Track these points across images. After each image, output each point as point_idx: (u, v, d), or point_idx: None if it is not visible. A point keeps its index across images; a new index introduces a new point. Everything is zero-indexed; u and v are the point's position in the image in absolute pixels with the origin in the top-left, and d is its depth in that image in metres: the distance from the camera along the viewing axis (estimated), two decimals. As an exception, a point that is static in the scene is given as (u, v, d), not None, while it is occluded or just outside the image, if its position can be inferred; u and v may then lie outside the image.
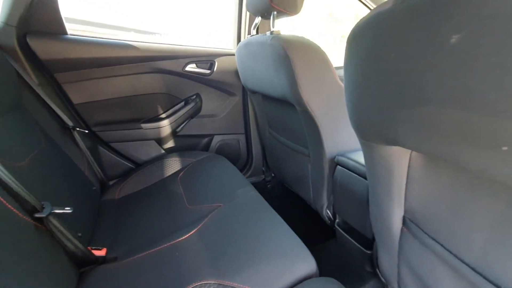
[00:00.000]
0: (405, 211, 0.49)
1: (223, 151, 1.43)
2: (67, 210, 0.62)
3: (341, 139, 0.83)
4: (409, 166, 0.44)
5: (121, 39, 1.13)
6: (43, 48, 0.97)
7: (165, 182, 1.05)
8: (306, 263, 0.56)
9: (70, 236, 0.62)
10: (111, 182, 1.17)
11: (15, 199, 0.54)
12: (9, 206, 0.51)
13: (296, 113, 0.88)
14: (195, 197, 0.89)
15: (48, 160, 0.79)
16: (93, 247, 0.71)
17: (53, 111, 0.96)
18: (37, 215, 0.56)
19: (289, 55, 0.73)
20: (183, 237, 0.67)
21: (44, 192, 0.67)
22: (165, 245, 0.66)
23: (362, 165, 0.73)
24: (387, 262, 0.59)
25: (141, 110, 1.23)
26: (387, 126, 0.36)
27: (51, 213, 0.58)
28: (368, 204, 0.62)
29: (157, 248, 0.66)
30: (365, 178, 0.71)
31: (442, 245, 0.43)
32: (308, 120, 0.82)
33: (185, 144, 1.37)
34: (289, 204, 1.43)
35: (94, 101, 1.13)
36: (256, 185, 1.51)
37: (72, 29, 1.07)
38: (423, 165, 0.41)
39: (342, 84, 0.80)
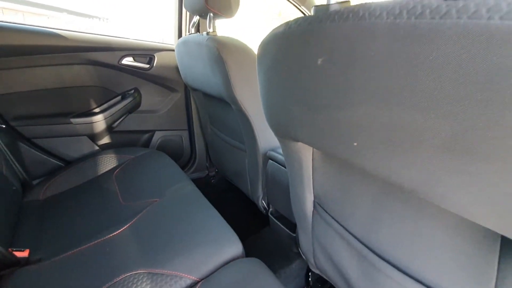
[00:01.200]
0: (314, 196, 0.59)
1: (166, 147, 1.42)
2: None
3: (273, 135, 0.91)
4: (313, 158, 0.52)
5: (47, 25, 1.04)
6: None
7: (98, 180, 1.01)
8: (233, 247, 0.63)
9: (-16, 239, 0.58)
10: (35, 182, 1.07)
11: None
12: None
13: (232, 111, 0.93)
14: (130, 194, 0.88)
15: (-48, 158, 0.70)
16: (14, 249, 0.66)
17: None
18: None
19: (223, 57, 0.78)
20: (115, 233, 0.68)
21: None
22: (95, 242, 0.66)
23: (288, 158, 0.82)
24: (305, 241, 0.69)
25: (71, 103, 1.15)
26: (289, 126, 0.43)
27: (-43, 216, 0.54)
28: (291, 192, 0.71)
29: (86, 246, 0.65)
30: (290, 170, 0.80)
31: (337, 221, 0.53)
32: (243, 118, 0.88)
33: (123, 140, 1.32)
34: (231, 197, 1.49)
35: (12, 93, 1.02)
36: (200, 180, 1.54)
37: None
38: (321, 156, 0.50)
39: None
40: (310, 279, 0.89)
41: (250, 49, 0.83)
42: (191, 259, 0.58)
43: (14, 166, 0.97)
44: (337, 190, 0.50)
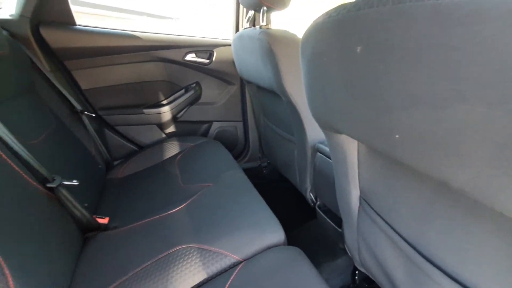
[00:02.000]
0: (360, 191, 0.57)
1: (222, 137, 1.51)
2: (74, 182, 0.71)
3: None
4: (358, 152, 0.51)
5: (128, 29, 1.20)
6: (54, 37, 1.06)
7: (163, 164, 1.14)
8: (275, 234, 0.65)
9: (78, 205, 0.72)
10: (115, 162, 1.27)
11: (29, 169, 0.63)
12: (24, 175, 0.61)
13: (283, 103, 0.94)
14: (188, 178, 0.98)
15: (58, 140, 0.89)
16: (98, 216, 0.81)
17: (63, 96, 1.05)
18: (48, 185, 0.66)
19: (274, 50, 0.79)
20: (173, 210, 0.77)
21: (55, 167, 0.76)
22: (157, 216, 0.76)
23: (337, 152, 0.80)
24: (350, 237, 0.67)
25: (144, 96, 1.32)
26: (332, 117, 0.43)
27: (60, 184, 0.68)
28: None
29: (151, 219, 0.76)
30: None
31: (383, 219, 0.51)
32: (293, 110, 0.89)
33: (186, 129, 1.46)
34: (281, 188, 1.52)
35: (101, 87, 1.22)
36: (252, 170, 1.60)
37: (85, 13, 1.14)
38: (366, 150, 0.48)
39: None
40: (356, 277, 0.86)
41: None
42: (236, 240, 0.63)
43: (100, 148, 1.17)
44: (383, 186, 0.48)
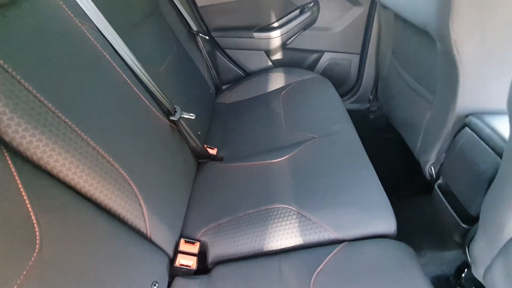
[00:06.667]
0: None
1: (331, 71, 1.33)
2: (191, 116, 0.76)
3: (484, 95, 0.64)
4: None
5: None
6: None
7: (267, 97, 1.10)
8: (386, 223, 0.57)
9: (193, 136, 0.79)
10: (224, 87, 1.31)
11: (156, 103, 0.68)
12: (152, 109, 0.66)
13: (432, 49, 0.69)
14: (292, 121, 0.93)
15: (178, 65, 0.92)
16: (208, 146, 0.88)
17: (182, 15, 1.04)
18: (171, 117, 0.71)
19: (454, -30, 0.52)
20: (276, 160, 0.76)
21: (174, 95, 0.81)
22: (261, 162, 0.77)
23: (501, 138, 0.57)
24: (483, 249, 0.54)
25: (255, 15, 1.20)
26: None
27: (180, 117, 0.73)
28: (488, 183, 0.53)
29: (254, 163, 0.77)
30: (498, 155, 0.57)
31: None
32: (448, 63, 0.65)
33: (293, 57, 1.32)
34: (388, 141, 1.33)
35: (215, 4, 1.16)
36: (358, 112, 1.42)
37: None
38: None
39: None
40: (463, 274, 0.75)
41: None
42: (339, 217, 0.58)
43: (211, 72, 1.19)
44: None
